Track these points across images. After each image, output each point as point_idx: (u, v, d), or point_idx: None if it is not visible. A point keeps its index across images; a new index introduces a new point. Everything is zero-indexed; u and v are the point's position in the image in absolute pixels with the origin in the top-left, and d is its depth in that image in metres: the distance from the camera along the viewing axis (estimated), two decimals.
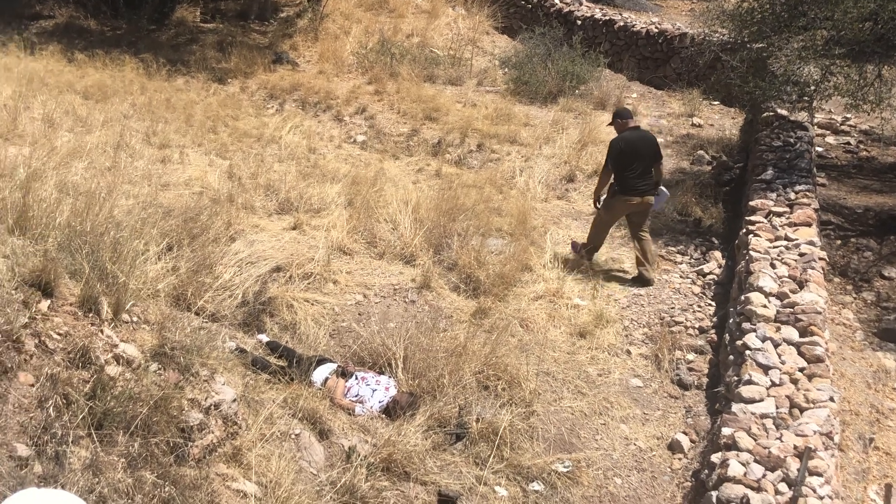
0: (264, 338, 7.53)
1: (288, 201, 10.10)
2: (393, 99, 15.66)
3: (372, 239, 9.47)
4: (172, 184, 10.10)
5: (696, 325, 8.58)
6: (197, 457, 4.66)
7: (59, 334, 4.43)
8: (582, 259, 9.59)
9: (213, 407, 4.98)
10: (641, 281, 9.44)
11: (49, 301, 4.57)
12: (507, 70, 17.39)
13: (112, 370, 4.43)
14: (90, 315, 4.72)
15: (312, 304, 8.12)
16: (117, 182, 8.89)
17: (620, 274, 9.66)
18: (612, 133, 9.91)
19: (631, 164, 9.27)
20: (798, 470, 5.62)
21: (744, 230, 9.25)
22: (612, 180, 9.52)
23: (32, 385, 4.09)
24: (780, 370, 6.75)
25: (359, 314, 8.16)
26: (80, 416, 4.14)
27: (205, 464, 4.69)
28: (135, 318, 5.06)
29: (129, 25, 19.00)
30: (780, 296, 7.73)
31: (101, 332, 4.66)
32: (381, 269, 8.98)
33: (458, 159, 13.28)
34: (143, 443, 4.27)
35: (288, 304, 8.01)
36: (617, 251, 10.11)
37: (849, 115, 13.75)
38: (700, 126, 14.81)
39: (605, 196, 9.60)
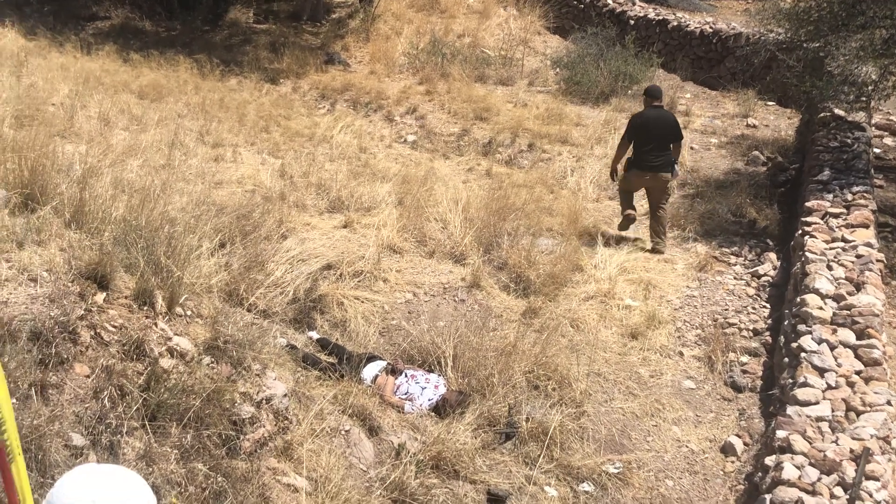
0: (315, 335, 7.55)
1: (339, 200, 10.14)
2: (444, 99, 15.67)
3: (422, 238, 9.48)
4: (225, 182, 10.20)
5: (751, 327, 8.46)
6: (248, 450, 4.70)
7: (115, 326, 4.49)
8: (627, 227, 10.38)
9: (264, 401, 5.02)
10: (655, 251, 10.02)
11: (105, 294, 4.64)
12: (558, 70, 17.31)
13: (166, 363, 4.49)
14: (145, 308, 4.79)
15: (363, 302, 8.15)
16: (171, 179, 8.99)
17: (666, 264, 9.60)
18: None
19: (645, 140, 10.06)
20: (856, 471, 5.51)
21: (799, 231, 9.11)
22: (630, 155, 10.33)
23: (88, 376, 4.16)
24: (837, 373, 6.63)
25: (409, 312, 8.17)
26: (135, 408, 4.20)
27: (256, 457, 4.73)
28: (188, 312, 5.12)
29: (183, 26, 19.25)
30: (837, 298, 7.59)
31: (156, 325, 4.72)
32: (430, 267, 8.99)
33: (509, 159, 13.25)
34: (195, 435, 4.32)
35: (338, 302, 8.04)
36: (671, 251, 10.02)
37: None
38: (755, 127, 14.61)
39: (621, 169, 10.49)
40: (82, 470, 1.89)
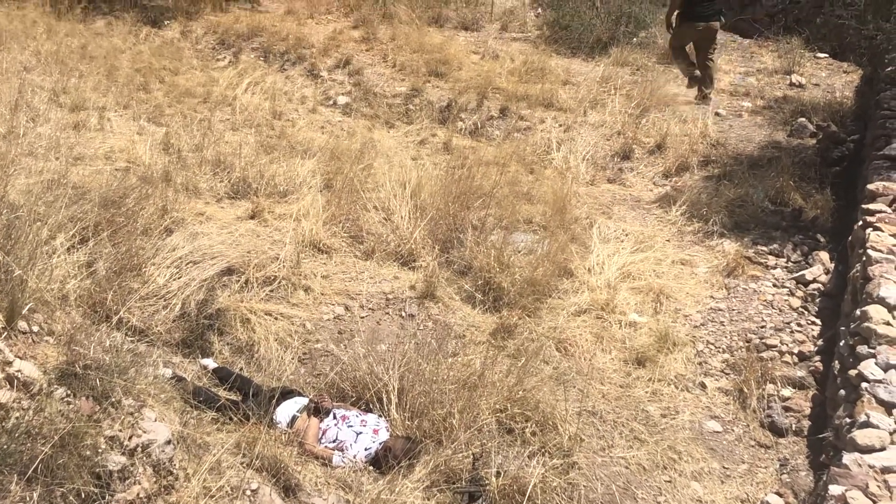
0: (210, 363, 7.51)
1: (244, 182, 10.10)
2: (386, 48, 15.68)
3: (357, 232, 9.46)
4: (88, 157, 10.11)
5: (795, 350, 8.52)
6: None
7: None
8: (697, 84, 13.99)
9: (140, 449, 4.95)
10: (704, 100, 13.81)
11: None
12: (540, 10, 17.43)
13: (4, 396, 4.42)
14: None
15: (276, 319, 8.10)
16: (14, 153, 8.89)
17: None
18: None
19: None
20: None
21: (860, 223, 9.19)
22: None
23: None
24: None
25: (339, 332, 8.15)
26: None
27: None
28: (35, 328, 5.05)
29: None
30: None
31: None
32: (368, 272, 8.97)
33: (474, 128, 13.30)
34: (44, 492, 4.25)
35: (243, 319, 7.99)
36: (687, 250, 10.09)
37: None
38: (801, 86, 14.76)
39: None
40: None
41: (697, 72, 13.91)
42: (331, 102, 14.14)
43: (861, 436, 6.47)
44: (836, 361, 7.85)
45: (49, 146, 9.91)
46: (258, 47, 15.83)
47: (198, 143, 10.98)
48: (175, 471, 5.20)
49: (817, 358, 8.41)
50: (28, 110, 10.99)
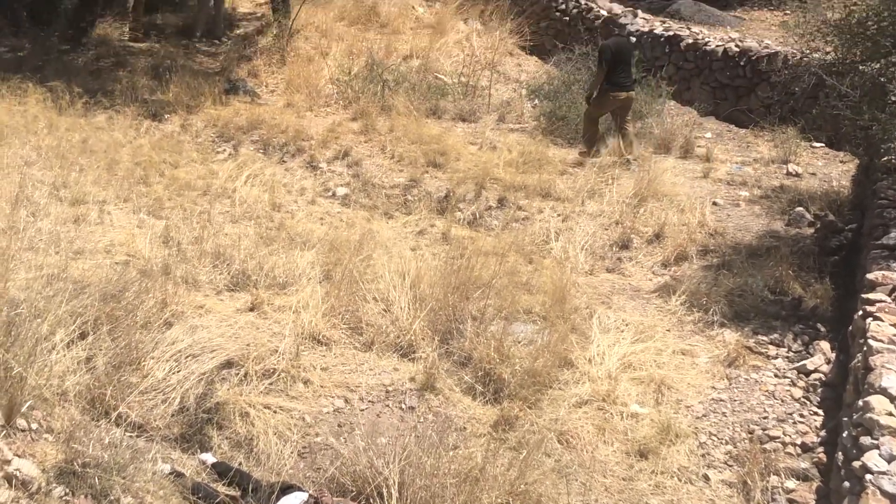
0: (209, 458, 7.45)
1: (243, 274, 10.11)
2: (385, 140, 15.79)
3: (356, 324, 9.44)
4: (88, 251, 10.13)
5: (798, 442, 8.46)
6: None
7: None
8: (590, 157, 14.87)
9: None
10: (632, 158, 14.74)
11: None
12: (537, 102, 17.57)
13: (2, 495, 4.38)
14: None
15: (275, 412, 8.06)
16: (14, 248, 8.90)
17: None
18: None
19: (620, 64, 14.70)
20: None
21: (860, 312, 9.17)
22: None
23: None
24: None
25: (338, 425, 8.10)
26: None
27: None
28: (34, 425, 5.02)
29: (34, 45, 19.29)
30: None
31: None
32: (368, 364, 8.94)
33: (473, 218, 13.33)
34: None
35: (242, 412, 7.95)
36: (688, 340, 10.06)
37: None
38: (798, 175, 14.83)
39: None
40: None
41: (596, 147, 15.06)
42: (330, 194, 14.20)
43: None
44: (840, 453, 7.78)
45: (49, 240, 9.94)
46: (258, 140, 15.93)
47: (197, 235, 11.01)
48: None
49: (821, 449, 8.34)
50: (29, 205, 11.04)
